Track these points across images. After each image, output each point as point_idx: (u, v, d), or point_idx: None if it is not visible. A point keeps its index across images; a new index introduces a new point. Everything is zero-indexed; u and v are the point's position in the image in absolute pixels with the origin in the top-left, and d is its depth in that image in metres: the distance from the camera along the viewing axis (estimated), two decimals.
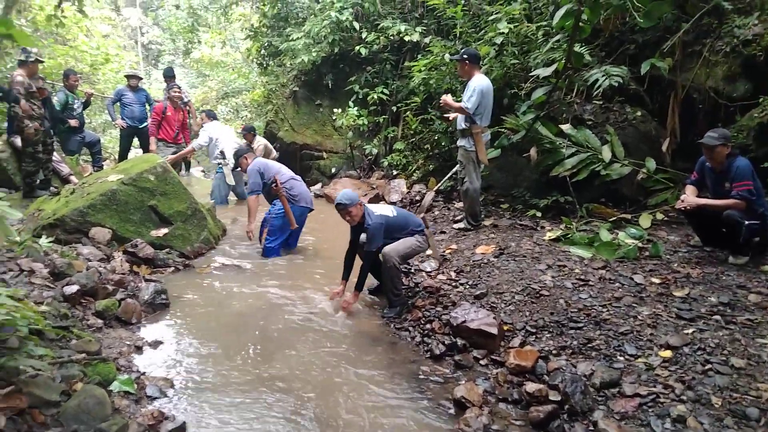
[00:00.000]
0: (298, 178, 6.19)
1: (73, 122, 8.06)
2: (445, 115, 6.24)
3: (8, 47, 11.65)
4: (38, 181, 6.84)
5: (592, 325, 3.57)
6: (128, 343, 3.43)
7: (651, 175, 5.56)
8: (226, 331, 3.90)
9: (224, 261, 5.51)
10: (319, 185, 9.66)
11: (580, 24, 4.92)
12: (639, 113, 6.05)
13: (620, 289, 3.97)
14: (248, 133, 8.65)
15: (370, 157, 9.49)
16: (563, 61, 5.35)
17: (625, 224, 5.29)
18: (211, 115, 8.72)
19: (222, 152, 8.03)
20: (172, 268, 5.05)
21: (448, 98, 5.63)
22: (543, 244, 5.12)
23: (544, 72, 5.69)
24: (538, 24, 6.43)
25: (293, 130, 10.67)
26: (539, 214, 6.06)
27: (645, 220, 5.24)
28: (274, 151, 9.48)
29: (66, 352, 2.83)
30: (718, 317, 3.43)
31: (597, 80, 5.41)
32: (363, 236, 4.44)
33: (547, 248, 4.99)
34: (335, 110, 9.19)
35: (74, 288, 3.61)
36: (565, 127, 5.93)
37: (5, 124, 7.45)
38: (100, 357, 2.91)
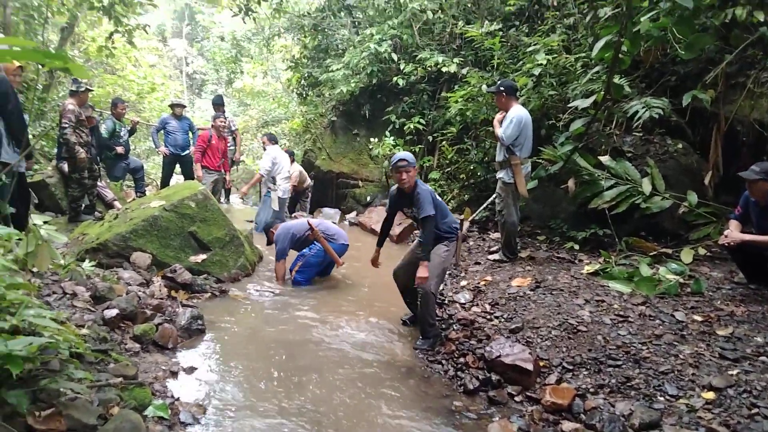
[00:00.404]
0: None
1: (119, 149, 8.36)
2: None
3: (61, 77, 12.20)
4: (83, 205, 7.10)
5: (631, 363, 3.46)
6: (164, 368, 3.47)
7: (693, 209, 5.42)
8: (260, 358, 3.92)
9: (260, 287, 5.57)
10: (354, 213, 9.74)
11: (620, 56, 4.89)
12: (680, 146, 5.93)
13: (661, 327, 3.85)
14: (288, 156, 8.84)
15: None
16: (602, 93, 5.31)
17: (666, 259, 5.14)
18: (273, 139, 8.66)
19: (273, 178, 8.06)
20: (209, 294, 5.12)
21: (497, 122, 5.66)
22: (581, 277, 5.02)
23: (582, 103, 5.66)
24: (577, 55, 6.41)
25: (330, 158, 10.82)
26: (577, 247, 5.96)
27: (687, 256, 5.08)
28: (308, 179, 9.62)
29: (104, 376, 2.88)
30: (764, 358, 3.28)
31: (637, 112, 5.35)
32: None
33: (585, 282, 4.89)
34: (372, 139, 9.29)
35: (114, 312, 3.69)
36: (604, 159, 5.85)
37: (55, 150, 7.79)
38: (136, 381, 2.96)
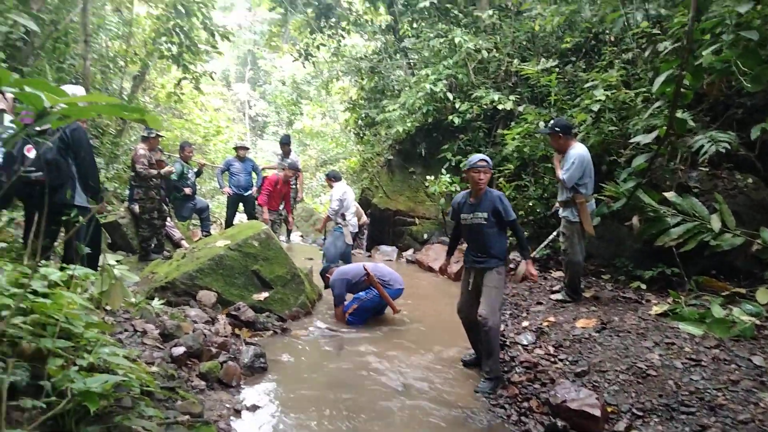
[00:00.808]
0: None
1: (187, 190, 8.75)
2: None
3: (132, 122, 12.97)
4: (153, 245, 7.43)
5: (706, 411, 3.28)
6: (228, 406, 3.55)
7: (767, 247, 5.15)
8: (320, 397, 3.94)
9: (319, 325, 5.64)
10: (411, 251, 9.75)
11: (682, 89, 4.79)
12: (750, 180, 5.68)
13: (737, 372, 3.64)
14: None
15: None
16: (665, 128, 5.19)
17: (740, 299, 4.88)
18: (336, 177, 8.48)
19: (343, 215, 8.04)
20: (271, 332, 5.21)
21: (557, 162, 5.61)
22: (649, 318, 4.83)
23: (644, 139, 5.53)
24: (637, 90, 6.31)
25: (387, 196, 10.94)
26: (644, 287, 5.75)
27: (762, 296, 4.80)
28: (364, 215, 9.74)
29: (172, 413, 2.97)
30: None
31: (702, 146, 5.18)
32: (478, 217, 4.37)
33: (654, 324, 4.69)
34: (428, 177, 9.35)
35: (181, 350, 3.82)
36: (669, 195, 5.67)
37: (127, 192, 8.25)
38: (202, 420, 3.04)
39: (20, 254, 4.91)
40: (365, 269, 5.85)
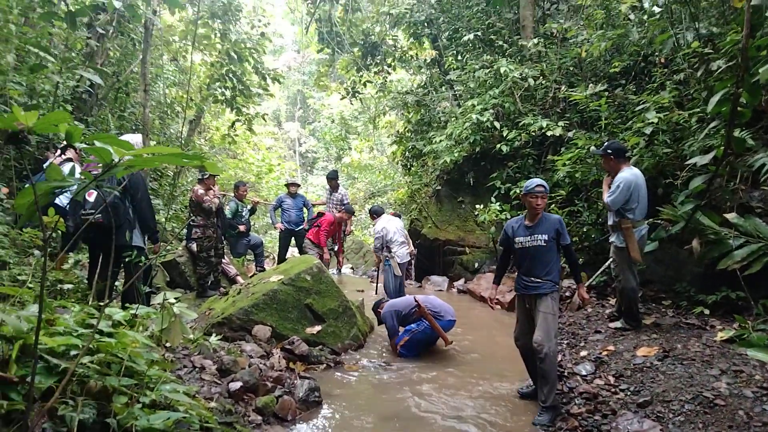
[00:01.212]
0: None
1: (242, 228, 9.02)
2: None
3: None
4: (210, 282, 7.64)
5: None
6: None
7: None
8: (374, 430, 3.92)
9: (372, 358, 5.63)
10: (462, 281, 9.67)
11: (739, 108, 4.65)
12: None
13: None
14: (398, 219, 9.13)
15: None
16: (722, 148, 5.03)
17: None
18: (377, 212, 8.61)
19: (388, 247, 8.11)
20: (324, 365, 5.25)
21: (606, 186, 5.54)
22: (714, 345, 4.61)
23: (702, 160, 5.37)
24: (691, 111, 6.14)
25: (436, 226, 10.93)
26: (707, 312, 5.49)
27: None
28: (412, 246, 9.77)
29: None
30: None
31: (764, 165, 4.99)
32: (537, 238, 4.37)
33: (719, 350, 4.47)
34: (477, 206, 9.29)
35: (238, 384, 3.89)
36: (730, 216, 5.44)
37: (184, 231, 8.57)
38: None
39: (85, 294, 5.16)
40: (416, 301, 5.83)
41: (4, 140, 1.60)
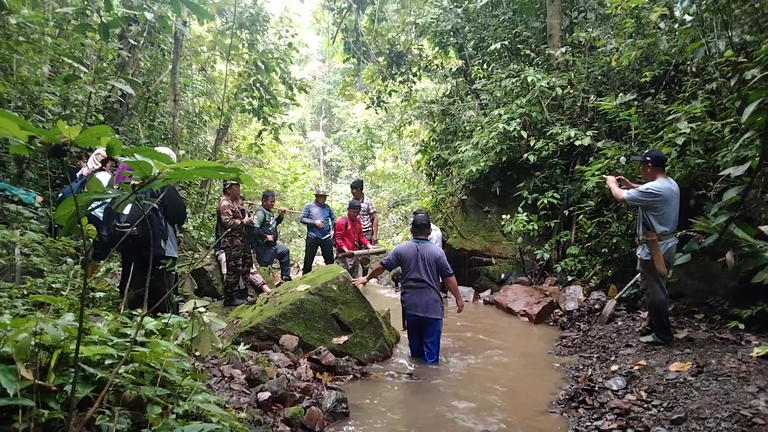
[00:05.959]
0: None
1: (269, 237, 9.08)
2: None
3: None
4: (237, 290, 7.70)
5: None
6: None
7: None
8: None
9: (399, 369, 5.60)
10: (488, 291, 9.57)
11: None
12: None
13: None
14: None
15: (541, 263, 9.25)
16: (757, 159, 4.92)
17: None
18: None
19: None
20: (351, 376, 5.23)
21: (612, 182, 5.55)
22: (750, 361, 4.49)
23: (736, 171, 5.25)
24: (724, 121, 6.02)
25: (462, 236, 10.87)
26: (742, 326, 5.36)
27: None
28: None
29: None
30: None
31: None
32: None
33: (757, 367, 4.35)
34: (503, 216, 9.21)
35: (267, 395, 3.89)
36: (766, 229, 5.31)
37: (212, 239, 8.67)
38: None
39: (116, 302, 5.24)
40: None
41: (49, 153, 1.64)
